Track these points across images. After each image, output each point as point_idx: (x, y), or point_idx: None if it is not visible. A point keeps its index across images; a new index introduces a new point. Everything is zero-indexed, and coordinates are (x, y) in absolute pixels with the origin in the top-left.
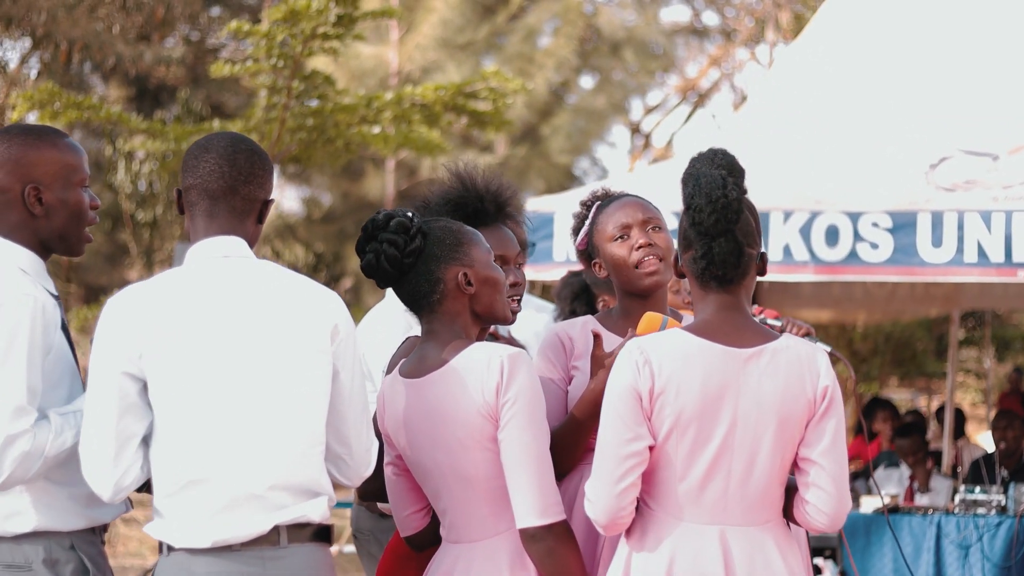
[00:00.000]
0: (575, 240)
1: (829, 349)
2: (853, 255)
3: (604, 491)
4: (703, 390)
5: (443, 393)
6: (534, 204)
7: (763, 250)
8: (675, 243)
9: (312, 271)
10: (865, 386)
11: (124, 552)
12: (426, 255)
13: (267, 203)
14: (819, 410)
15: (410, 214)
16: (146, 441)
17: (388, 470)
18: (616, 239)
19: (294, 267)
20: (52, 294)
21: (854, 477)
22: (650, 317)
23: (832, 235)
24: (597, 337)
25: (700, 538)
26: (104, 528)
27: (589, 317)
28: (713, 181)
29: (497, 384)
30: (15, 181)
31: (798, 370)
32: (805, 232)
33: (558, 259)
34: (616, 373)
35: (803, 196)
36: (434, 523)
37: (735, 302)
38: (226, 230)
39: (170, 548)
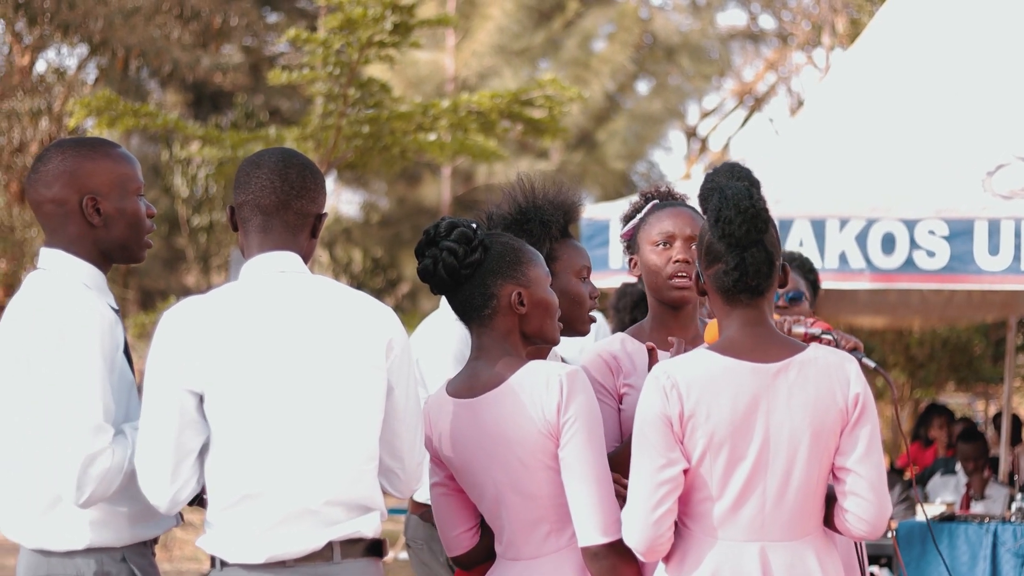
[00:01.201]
0: (622, 227)
1: (873, 365)
2: (910, 263)
3: (640, 519)
4: (733, 409)
5: (501, 413)
6: (589, 212)
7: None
8: None
9: (370, 275)
10: (921, 391)
11: (180, 556)
12: (484, 269)
13: (320, 217)
14: (852, 418)
15: (475, 225)
16: (201, 455)
17: (436, 491)
18: (657, 245)
19: (351, 271)
20: (113, 308)
21: (910, 484)
22: (714, 326)
23: (888, 243)
24: (652, 351)
25: (740, 556)
26: (155, 540)
27: (622, 333)
28: (739, 192)
29: (558, 403)
30: (72, 193)
31: (827, 380)
32: (861, 240)
33: (614, 267)
34: (644, 400)
35: (859, 203)
36: (484, 541)
37: (759, 316)
38: (280, 245)
39: (223, 563)
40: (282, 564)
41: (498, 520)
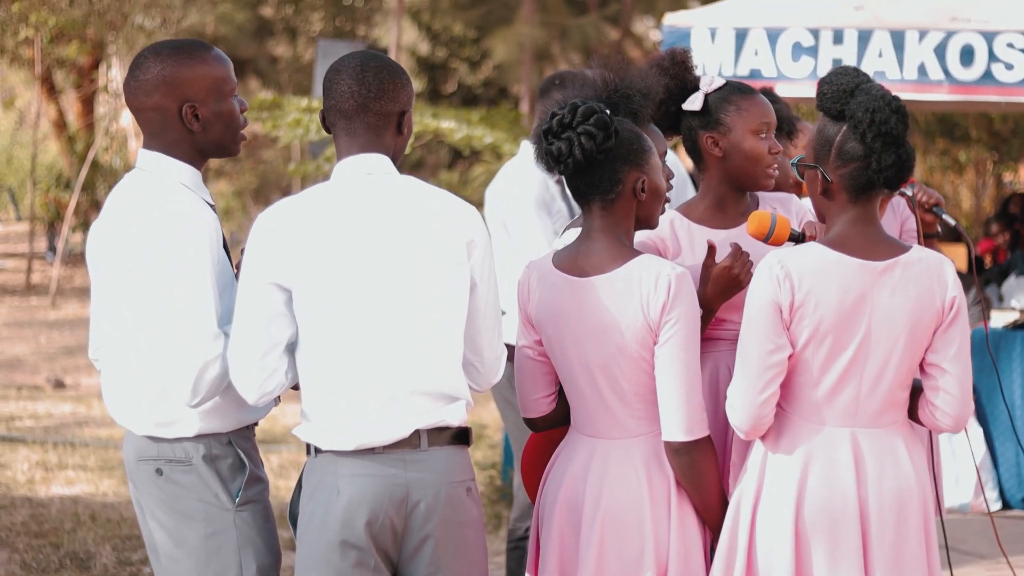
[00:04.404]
0: (697, 89)
1: (954, 223)
2: (988, 75)
3: (748, 399)
4: (840, 302)
5: (607, 299)
6: (671, 19)
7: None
8: None
9: (460, 46)
10: (1004, 167)
11: None
12: (613, 154)
13: (403, 115)
14: (947, 319)
15: (608, 110)
16: (291, 349)
17: (523, 352)
18: (759, 134)
19: (442, 40)
20: (209, 204)
21: (985, 283)
22: (759, 216)
23: (967, 55)
24: (712, 248)
25: (833, 440)
26: (255, 423)
27: (673, 212)
28: (885, 91)
29: (664, 303)
30: (172, 101)
31: (928, 282)
32: (940, 52)
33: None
34: (757, 287)
35: (938, 14)
36: (559, 408)
37: (872, 214)
38: (365, 147)
39: (317, 450)
40: (371, 451)
41: (580, 396)
